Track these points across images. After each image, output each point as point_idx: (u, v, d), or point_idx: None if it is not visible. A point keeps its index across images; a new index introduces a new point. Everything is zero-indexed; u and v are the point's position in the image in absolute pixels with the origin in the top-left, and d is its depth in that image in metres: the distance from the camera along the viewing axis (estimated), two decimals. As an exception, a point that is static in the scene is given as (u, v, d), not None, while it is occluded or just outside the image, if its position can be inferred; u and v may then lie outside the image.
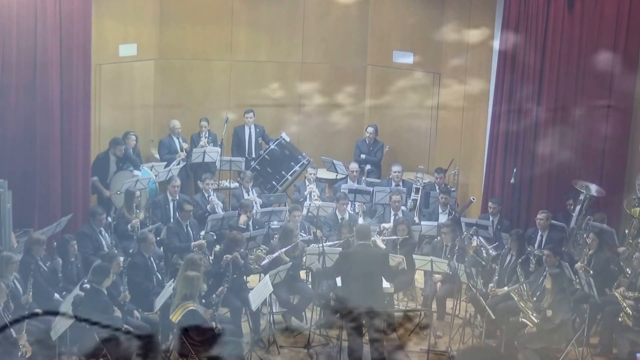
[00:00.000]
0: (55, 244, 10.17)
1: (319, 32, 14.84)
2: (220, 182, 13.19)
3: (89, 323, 8.87)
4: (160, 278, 10.21)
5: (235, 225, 11.27)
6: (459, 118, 13.89)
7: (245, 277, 10.47)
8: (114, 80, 13.63)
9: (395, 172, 12.94)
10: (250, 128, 13.93)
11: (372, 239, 9.98)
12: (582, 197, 11.43)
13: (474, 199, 12.48)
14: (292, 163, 13.40)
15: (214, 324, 9.05)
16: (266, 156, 13.34)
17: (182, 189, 12.45)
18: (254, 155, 13.71)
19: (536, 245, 11.03)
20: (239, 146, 13.91)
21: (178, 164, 12.97)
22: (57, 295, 9.66)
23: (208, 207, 12.03)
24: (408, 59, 14.60)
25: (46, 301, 9.51)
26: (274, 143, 13.40)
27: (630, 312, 9.61)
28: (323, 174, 13.68)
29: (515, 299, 9.74)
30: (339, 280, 9.74)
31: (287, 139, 13.54)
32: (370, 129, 13.98)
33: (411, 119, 14.75)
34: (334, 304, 10.38)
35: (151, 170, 12.66)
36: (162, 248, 11.07)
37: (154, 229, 11.12)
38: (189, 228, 11.14)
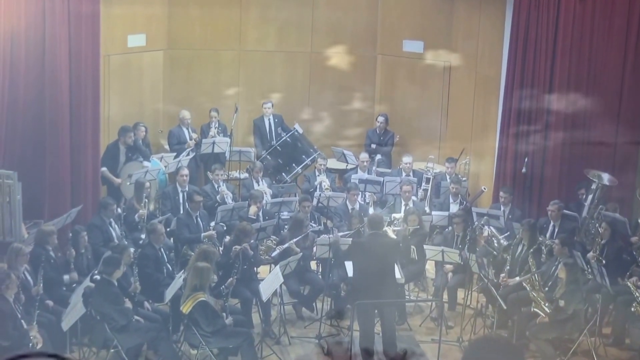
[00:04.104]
0: (70, 235, 10.16)
1: (329, 21, 14.77)
2: (230, 172, 13.16)
3: (99, 314, 8.88)
4: (171, 269, 10.20)
5: (245, 216, 11.25)
6: (470, 107, 13.81)
7: (255, 268, 10.45)
8: (123, 71, 13.60)
9: (405, 162, 12.87)
10: (269, 119, 13.89)
11: (383, 229, 9.94)
12: (594, 186, 11.35)
13: (485, 188, 12.42)
14: (304, 156, 13.34)
15: (224, 315, 9.05)
16: (278, 147, 13.29)
17: (192, 179, 12.42)
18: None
19: (548, 235, 10.95)
20: (261, 138, 13.84)
21: (187, 154, 12.95)
22: (66, 277, 9.67)
23: (218, 197, 12.00)
24: (418, 47, 14.53)
25: (57, 292, 9.53)
26: (287, 134, 13.35)
27: (643, 302, 9.56)
28: (333, 164, 13.63)
29: (528, 288, 9.70)
30: (349, 271, 9.71)
31: (300, 131, 13.48)
32: (380, 119, 13.92)
33: (422, 108, 14.69)
34: (344, 295, 10.37)
35: (161, 161, 12.64)
36: (172, 239, 11.06)
37: (164, 219, 11.10)
38: (199, 219, 11.12)
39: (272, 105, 13.90)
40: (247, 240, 10.02)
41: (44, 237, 9.70)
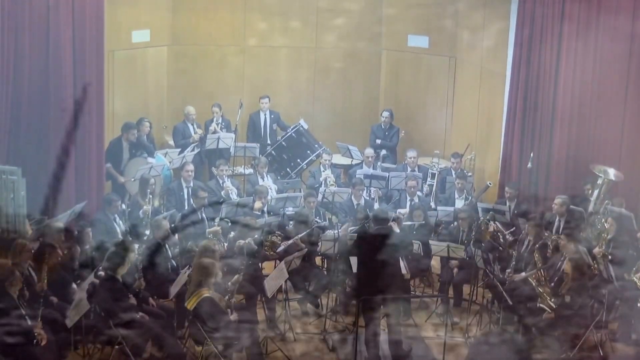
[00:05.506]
0: (77, 232, 10.13)
1: (333, 16, 14.73)
2: (234, 168, 13.14)
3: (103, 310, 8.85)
4: (175, 265, 10.17)
5: (249, 212, 11.22)
6: (475, 102, 13.77)
7: (260, 263, 10.43)
8: (127, 67, 13.60)
9: (410, 157, 12.84)
10: (265, 114, 13.87)
11: (389, 224, 9.90)
12: (600, 181, 11.32)
13: (490, 183, 12.40)
14: (309, 152, 13.32)
15: (229, 311, 9.02)
16: (283, 142, 13.26)
17: (197, 175, 12.40)
18: (269, 142, 13.64)
19: (554, 231, 10.92)
20: (254, 132, 13.85)
21: (192, 150, 12.93)
22: (74, 286, 9.65)
23: (222, 193, 11.98)
24: (423, 42, 14.48)
25: (62, 289, 9.51)
26: (292, 130, 13.32)
27: (650, 298, 9.51)
28: (338, 159, 13.60)
29: (534, 284, 9.67)
30: (354, 266, 9.68)
31: (305, 127, 13.44)
32: (385, 114, 13.89)
33: (427, 104, 14.66)
34: (349, 290, 10.34)
35: (165, 156, 12.63)
36: (176, 235, 11.03)
37: (169, 215, 11.08)
38: (204, 215, 11.10)
39: (269, 101, 13.84)
40: (251, 235, 9.99)
41: (52, 234, 9.69)
